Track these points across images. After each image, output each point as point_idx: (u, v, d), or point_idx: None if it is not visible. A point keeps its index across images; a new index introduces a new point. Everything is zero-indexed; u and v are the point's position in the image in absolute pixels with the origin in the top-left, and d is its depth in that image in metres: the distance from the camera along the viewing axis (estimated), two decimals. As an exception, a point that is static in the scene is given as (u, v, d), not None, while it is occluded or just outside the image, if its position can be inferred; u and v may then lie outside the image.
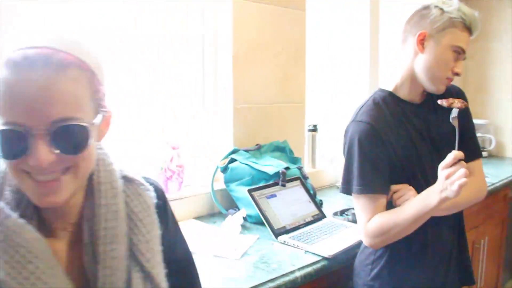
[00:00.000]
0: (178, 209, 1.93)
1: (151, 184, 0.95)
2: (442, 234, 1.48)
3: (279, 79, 2.25)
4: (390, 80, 1.51)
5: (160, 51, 1.99)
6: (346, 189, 1.45)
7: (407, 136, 1.44)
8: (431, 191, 1.31)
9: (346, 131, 1.47)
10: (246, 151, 2.10)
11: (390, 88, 1.50)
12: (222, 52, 2.09)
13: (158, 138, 1.98)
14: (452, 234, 1.52)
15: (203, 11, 2.10)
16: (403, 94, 1.49)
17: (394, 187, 1.42)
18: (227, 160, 2.04)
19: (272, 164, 2.00)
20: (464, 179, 1.20)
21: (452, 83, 1.48)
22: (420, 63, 1.43)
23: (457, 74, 1.42)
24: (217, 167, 2.05)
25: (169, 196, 1.89)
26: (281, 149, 2.19)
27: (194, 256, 1.09)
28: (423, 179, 1.41)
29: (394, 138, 1.43)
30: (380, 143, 1.40)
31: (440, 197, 1.27)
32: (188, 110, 2.10)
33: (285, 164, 2.03)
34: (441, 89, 1.44)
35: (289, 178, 2.00)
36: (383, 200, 1.41)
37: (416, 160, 1.43)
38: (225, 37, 2.07)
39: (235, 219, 1.86)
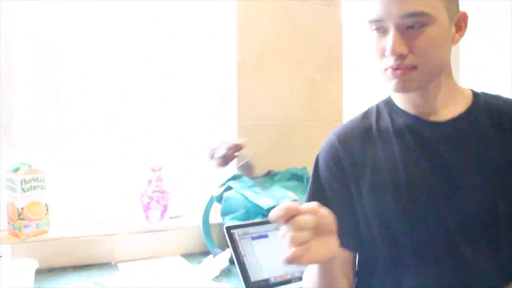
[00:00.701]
0: (161, 243, 1.64)
1: None
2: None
3: (303, 90, 1.82)
4: None
5: (155, 56, 1.72)
6: None
7: (393, 168, 0.97)
8: None
9: None
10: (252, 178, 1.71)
11: None
12: (226, 57, 1.74)
13: (146, 158, 1.69)
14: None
15: (204, 11, 1.78)
16: (400, 102, 1.03)
17: None
18: (223, 188, 1.68)
19: (273, 196, 1.59)
20: (291, 251, 0.74)
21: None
22: None
23: (392, 55, 0.88)
24: (211, 197, 1.70)
25: (149, 226, 1.65)
26: (298, 178, 1.75)
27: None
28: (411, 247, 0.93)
29: (371, 167, 0.98)
30: (340, 167, 1.01)
31: None
32: (182, 126, 1.78)
33: (294, 197, 1.60)
34: (394, 88, 0.92)
35: (294, 215, 1.56)
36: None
37: (393, 211, 0.95)
38: (230, 40, 1.73)
39: (216, 261, 1.49)
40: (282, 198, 1.58)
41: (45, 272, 1.49)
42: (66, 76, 1.63)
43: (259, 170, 1.74)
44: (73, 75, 1.64)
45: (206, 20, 1.78)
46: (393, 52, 0.87)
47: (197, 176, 1.80)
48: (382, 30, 0.89)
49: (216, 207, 1.71)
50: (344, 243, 0.96)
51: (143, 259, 1.60)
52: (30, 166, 1.52)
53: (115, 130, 1.69)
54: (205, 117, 1.79)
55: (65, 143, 1.64)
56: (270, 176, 1.74)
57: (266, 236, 1.48)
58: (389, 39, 0.87)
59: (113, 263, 1.57)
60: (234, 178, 1.69)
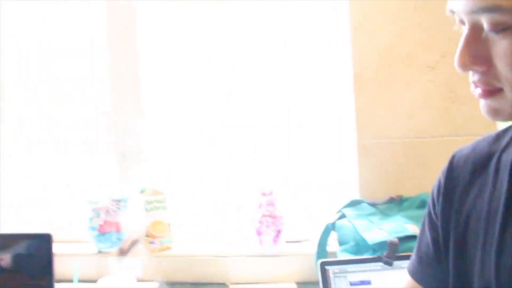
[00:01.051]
0: (275, 268, 1.58)
1: None
2: None
3: (439, 101, 1.49)
4: None
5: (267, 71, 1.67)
6: None
7: (490, 222, 0.69)
8: None
9: None
10: (372, 204, 1.50)
11: None
12: (340, 69, 1.56)
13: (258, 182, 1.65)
14: None
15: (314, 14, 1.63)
16: None
17: None
18: (338, 215, 1.52)
19: (386, 229, 1.36)
20: None
21: None
22: None
23: (456, 66, 0.63)
24: (327, 224, 1.54)
25: (262, 250, 1.59)
26: (429, 206, 1.46)
27: None
28: None
29: (467, 214, 0.73)
30: (438, 197, 0.79)
31: None
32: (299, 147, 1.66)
33: (412, 230, 1.34)
34: (482, 111, 0.65)
35: (408, 253, 1.31)
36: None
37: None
38: (343, 49, 1.54)
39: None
40: (396, 232, 1.35)
41: (166, 286, 1.59)
42: (186, 101, 1.71)
43: (384, 195, 1.52)
44: (195, 99, 1.71)
45: (316, 24, 1.64)
46: (457, 63, 0.62)
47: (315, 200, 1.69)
48: (464, 26, 0.63)
49: (335, 235, 1.56)
50: (417, 274, 0.84)
51: (256, 283, 1.57)
52: (153, 188, 1.64)
53: (231, 151, 1.70)
54: (321, 137, 1.65)
55: (185, 166, 1.72)
56: (397, 203, 1.50)
57: (368, 283, 1.28)
58: (460, 44, 0.62)
59: (226, 284, 1.58)
60: (351, 205, 1.51)
